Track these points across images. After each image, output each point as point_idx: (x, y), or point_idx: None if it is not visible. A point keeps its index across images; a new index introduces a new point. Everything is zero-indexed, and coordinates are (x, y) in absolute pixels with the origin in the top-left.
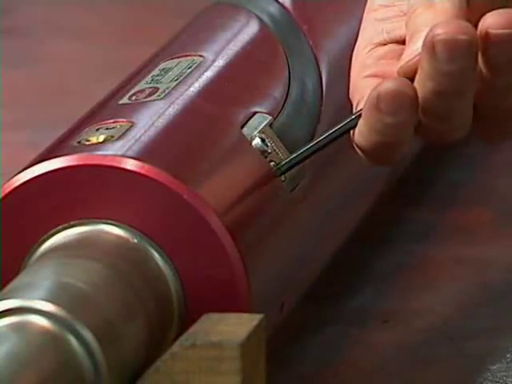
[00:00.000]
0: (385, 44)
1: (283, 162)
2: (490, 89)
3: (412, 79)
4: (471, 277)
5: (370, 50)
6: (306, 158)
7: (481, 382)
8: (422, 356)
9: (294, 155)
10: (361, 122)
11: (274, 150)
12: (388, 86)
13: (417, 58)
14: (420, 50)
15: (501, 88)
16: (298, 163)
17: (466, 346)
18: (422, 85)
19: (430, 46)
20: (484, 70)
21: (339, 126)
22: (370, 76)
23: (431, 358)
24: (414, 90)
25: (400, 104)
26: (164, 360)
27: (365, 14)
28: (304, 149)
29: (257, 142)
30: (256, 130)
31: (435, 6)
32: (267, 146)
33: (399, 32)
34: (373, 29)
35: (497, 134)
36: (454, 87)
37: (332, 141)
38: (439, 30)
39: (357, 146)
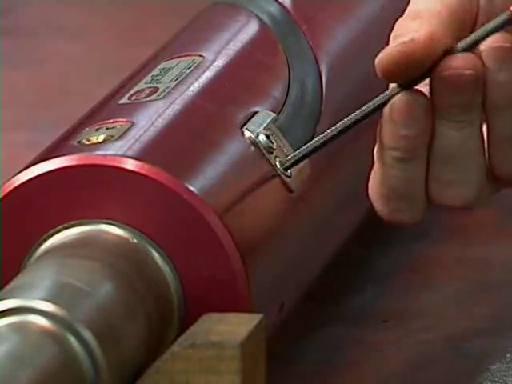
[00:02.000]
0: None
1: (290, 156)
2: (496, 145)
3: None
4: (471, 277)
5: None
6: (312, 152)
7: (481, 382)
8: (421, 356)
9: (301, 149)
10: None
11: (279, 147)
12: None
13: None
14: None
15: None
16: (304, 157)
17: (466, 345)
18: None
19: (439, 78)
20: (489, 121)
21: (345, 121)
22: None
23: (431, 358)
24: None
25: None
26: (164, 360)
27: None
28: (311, 143)
29: (262, 138)
30: (261, 126)
31: (423, 18)
32: (272, 142)
33: None
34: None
35: None
36: (460, 118)
37: (338, 135)
38: (447, 63)
39: (373, 197)
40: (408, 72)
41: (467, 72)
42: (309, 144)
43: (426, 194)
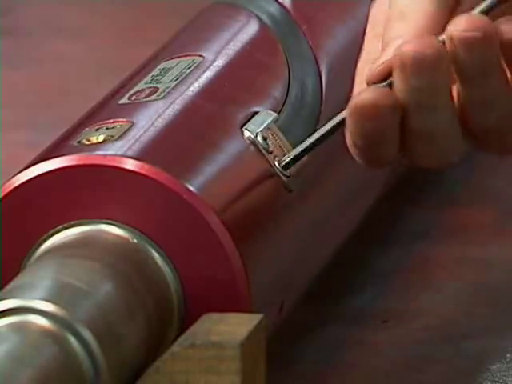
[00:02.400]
0: None
1: (287, 156)
2: (468, 107)
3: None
4: (471, 277)
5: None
6: (309, 149)
7: (481, 382)
8: (421, 356)
9: (297, 147)
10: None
11: (279, 147)
12: (366, 96)
13: (381, 66)
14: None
15: (477, 103)
16: (301, 155)
17: (466, 346)
18: (400, 99)
19: (399, 62)
20: (459, 86)
21: (340, 115)
22: None
23: (431, 358)
24: (394, 97)
25: (379, 112)
26: (164, 360)
27: (367, 27)
28: (307, 140)
29: (262, 138)
30: (261, 126)
31: (407, 18)
32: (272, 142)
33: None
34: (372, 45)
35: (498, 149)
36: (426, 101)
37: (333, 130)
38: (407, 46)
39: (348, 145)
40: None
41: (427, 52)
42: (305, 142)
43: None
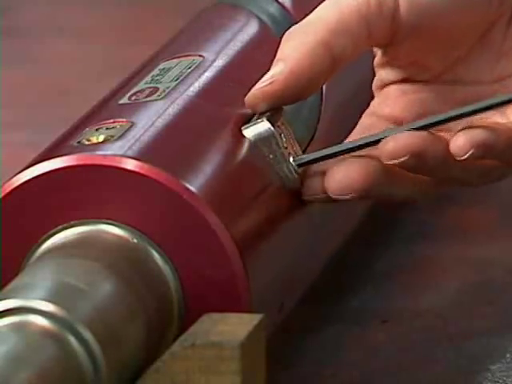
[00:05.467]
0: None
1: (307, 156)
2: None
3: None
4: (471, 277)
5: None
6: (330, 157)
7: (481, 382)
8: (421, 356)
9: (321, 152)
10: None
11: (288, 144)
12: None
13: (267, 83)
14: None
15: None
16: (321, 160)
17: (466, 345)
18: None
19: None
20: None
21: (376, 135)
22: None
23: (431, 358)
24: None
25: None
26: (164, 360)
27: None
28: (333, 148)
29: (262, 138)
30: (261, 126)
31: (294, 40)
32: (272, 142)
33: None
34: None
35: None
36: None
37: (365, 147)
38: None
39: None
40: (281, 102)
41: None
42: (330, 148)
43: None
